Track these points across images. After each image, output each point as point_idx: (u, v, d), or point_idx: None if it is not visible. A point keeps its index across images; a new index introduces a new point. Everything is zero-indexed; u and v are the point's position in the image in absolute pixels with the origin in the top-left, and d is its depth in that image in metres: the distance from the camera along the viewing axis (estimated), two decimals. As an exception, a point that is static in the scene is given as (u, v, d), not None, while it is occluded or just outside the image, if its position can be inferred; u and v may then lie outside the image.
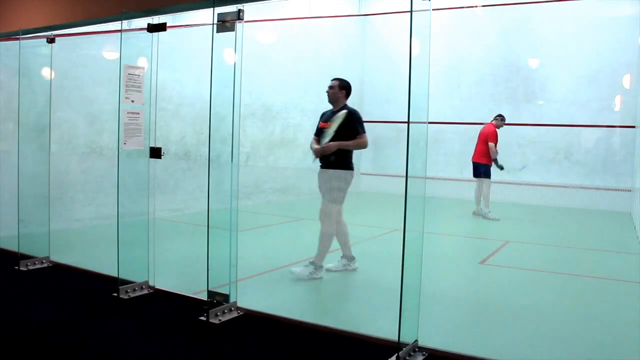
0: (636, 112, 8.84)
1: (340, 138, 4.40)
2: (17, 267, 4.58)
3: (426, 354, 2.98)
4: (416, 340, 3.01)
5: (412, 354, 2.97)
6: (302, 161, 9.26)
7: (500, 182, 9.85)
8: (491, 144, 8.20)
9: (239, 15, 3.39)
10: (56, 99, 5.21)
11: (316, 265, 4.48)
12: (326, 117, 4.58)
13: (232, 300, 3.60)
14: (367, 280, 4.65)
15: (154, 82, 4.06)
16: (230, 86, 3.47)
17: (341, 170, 4.46)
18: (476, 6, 10.03)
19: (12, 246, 4.93)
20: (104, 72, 6.47)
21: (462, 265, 5.28)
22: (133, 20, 4.19)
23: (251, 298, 3.80)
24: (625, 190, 8.95)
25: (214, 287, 3.56)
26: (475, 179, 8.36)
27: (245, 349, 3.11)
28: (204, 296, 3.64)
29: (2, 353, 2.93)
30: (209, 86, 3.47)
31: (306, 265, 4.49)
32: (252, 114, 8.61)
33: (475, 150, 8.42)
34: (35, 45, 4.77)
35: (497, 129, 8.31)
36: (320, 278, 4.48)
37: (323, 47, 10.37)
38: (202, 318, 3.48)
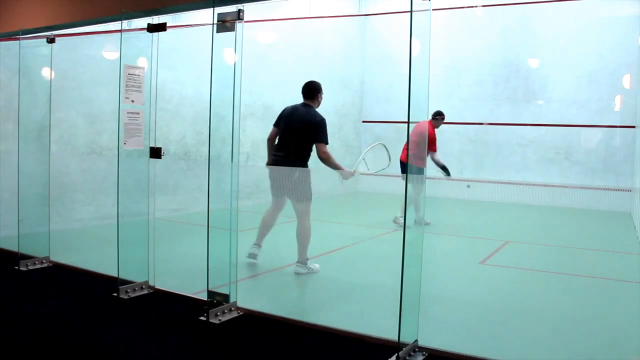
0: (636, 112, 8.84)
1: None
2: (17, 267, 4.58)
3: (426, 354, 2.98)
4: (416, 340, 3.01)
5: (412, 354, 2.97)
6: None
7: (500, 182, 9.86)
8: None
9: (239, 15, 3.39)
10: (56, 99, 5.21)
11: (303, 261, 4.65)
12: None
13: (232, 300, 3.60)
14: (367, 280, 4.65)
15: (154, 82, 4.06)
16: (230, 86, 3.47)
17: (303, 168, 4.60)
18: (476, 6, 10.03)
19: (12, 246, 4.93)
20: (104, 72, 6.46)
21: (462, 265, 5.28)
22: (133, 20, 4.19)
23: (251, 298, 3.80)
24: (625, 190, 8.95)
25: (214, 287, 3.56)
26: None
27: (245, 349, 3.11)
28: (204, 296, 3.64)
29: (2, 353, 2.93)
30: (209, 86, 3.47)
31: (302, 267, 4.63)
32: (252, 114, 8.60)
33: (409, 148, 7.85)
34: (35, 45, 4.77)
35: (434, 129, 7.12)
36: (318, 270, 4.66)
37: (323, 47, 10.36)
38: (202, 318, 3.48)
